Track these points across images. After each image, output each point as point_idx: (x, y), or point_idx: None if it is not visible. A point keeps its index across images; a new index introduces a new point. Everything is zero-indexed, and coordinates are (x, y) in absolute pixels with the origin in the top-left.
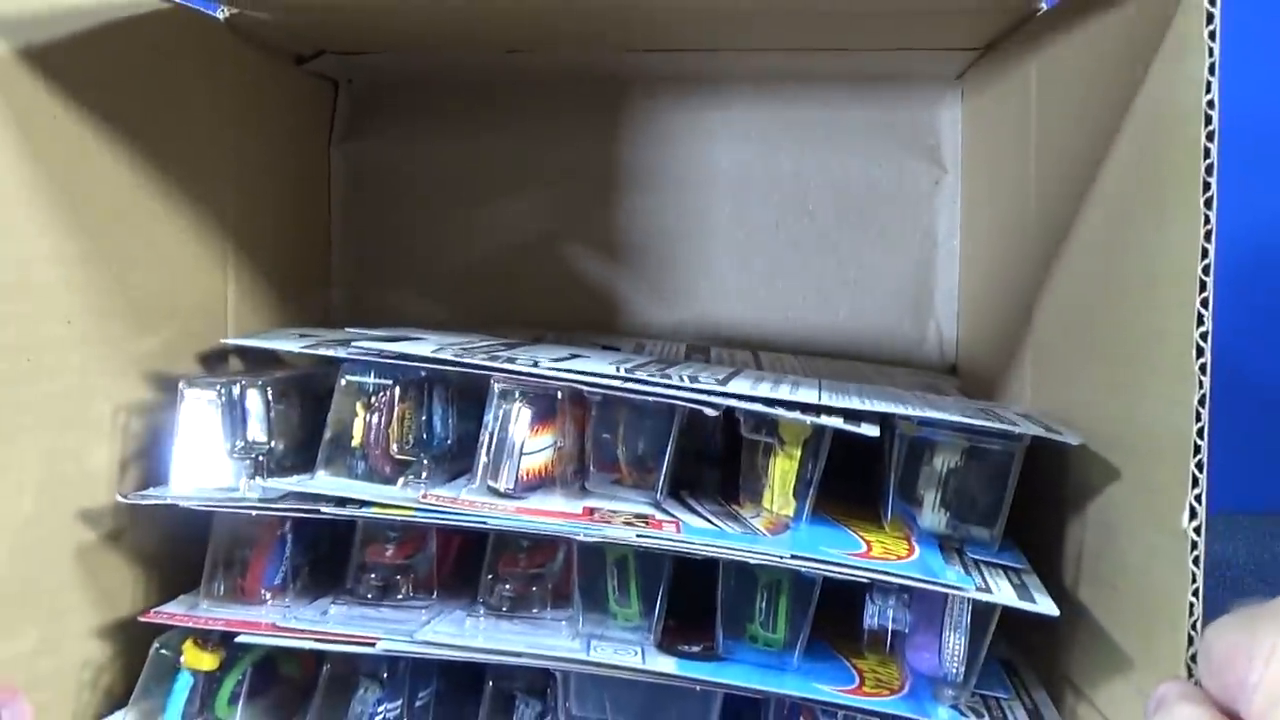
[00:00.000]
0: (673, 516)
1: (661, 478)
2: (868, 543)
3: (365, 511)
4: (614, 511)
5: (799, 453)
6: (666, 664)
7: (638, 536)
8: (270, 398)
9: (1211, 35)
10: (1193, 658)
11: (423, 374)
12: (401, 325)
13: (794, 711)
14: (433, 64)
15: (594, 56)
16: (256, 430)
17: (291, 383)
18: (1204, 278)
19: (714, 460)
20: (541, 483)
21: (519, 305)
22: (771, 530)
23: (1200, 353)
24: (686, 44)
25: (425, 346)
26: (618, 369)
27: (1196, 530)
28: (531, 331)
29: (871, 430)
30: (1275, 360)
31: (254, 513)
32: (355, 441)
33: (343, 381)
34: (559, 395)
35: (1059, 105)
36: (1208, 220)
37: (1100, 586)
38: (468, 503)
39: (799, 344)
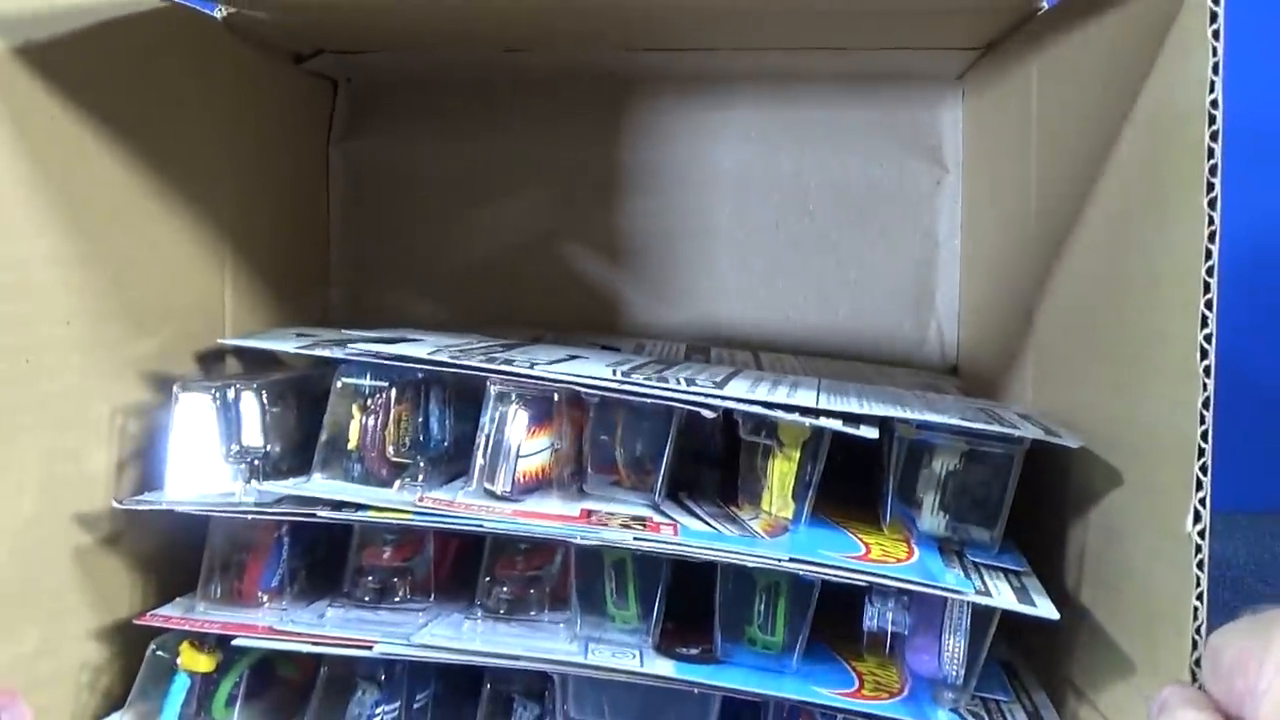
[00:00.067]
0: (671, 519)
1: (660, 480)
2: (867, 545)
3: (362, 515)
4: (612, 514)
5: (798, 455)
6: (665, 667)
7: (635, 539)
8: (266, 400)
9: (1215, 34)
10: (1197, 662)
11: (419, 375)
12: (400, 326)
13: (793, 714)
14: (432, 63)
15: (594, 56)
16: (252, 433)
17: (288, 385)
18: (1208, 279)
19: (713, 462)
20: (539, 485)
21: (519, 305)
22: (770, 532)
23: (1204, 354)
24: (686, 43)
25: (422, 348)
26: (614, 371)
27: (1200, 534)
28: (531, 332)
29: (870, 432)
30: (1275, 360)
31: (250, 517)
32: (351, 444)
33: (339, 383)
34: (556, 397)
35: (1060, 105)
36: (1211, 221)
37: (1102, 589)
38: (464, 505)
39: (799, 344)
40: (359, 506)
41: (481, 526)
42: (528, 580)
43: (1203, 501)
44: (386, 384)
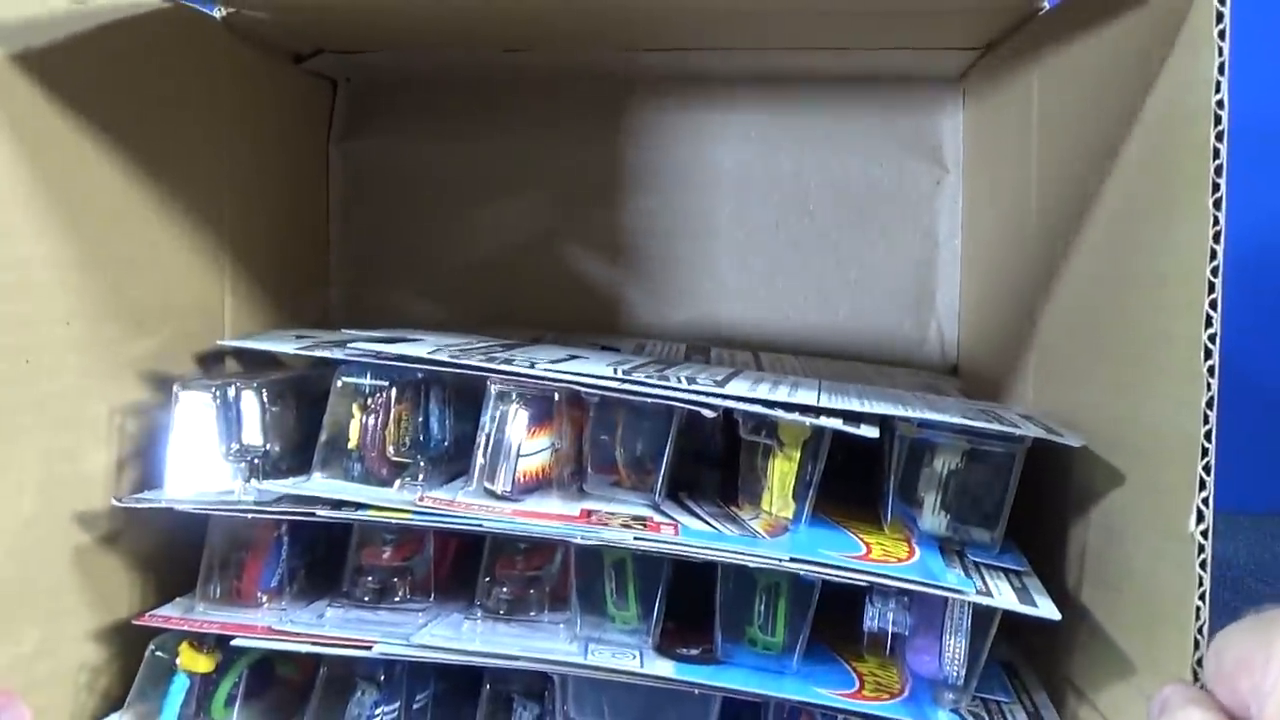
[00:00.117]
0: (671, 519)
1: (660, 479)
2: (867, 545)
3: (361, 514)
4: (612, 514)
5: (798, 454)
6: (665, 667)
7: (635, 539)
8: (265, 400)
9: (1221, 35)
10: (1199, 662)
11: (419, 375)
12: (400, 326)
13: (793, 715)
14: (432, 63)
15: (594, 56)
16: (252, 432)
17: (288, 384)
18: (1212, 279)
19: (713, 462)
20: (539, 485)
21: (519, 305)
22: (770, 532)
23: (1208, 354)
24: (687, 43)
25: (422, 348)
26: (615, 370)
27: (1204, 534)
28: (531, 332)
29: (871, 432)
30: (1275, 360)
31: (249, 516)
32: (351, 443)
33: (339, 383)
34: (556, 397)
35: (1061, 105)
36: (1216, 221)
37: (1103, 589)
38: (464, 505)
39: (799, 344)
40: (359, 506)
41: (481, 526)
42: (528, 580)
43: (1206, 501)
44: (386, 384)
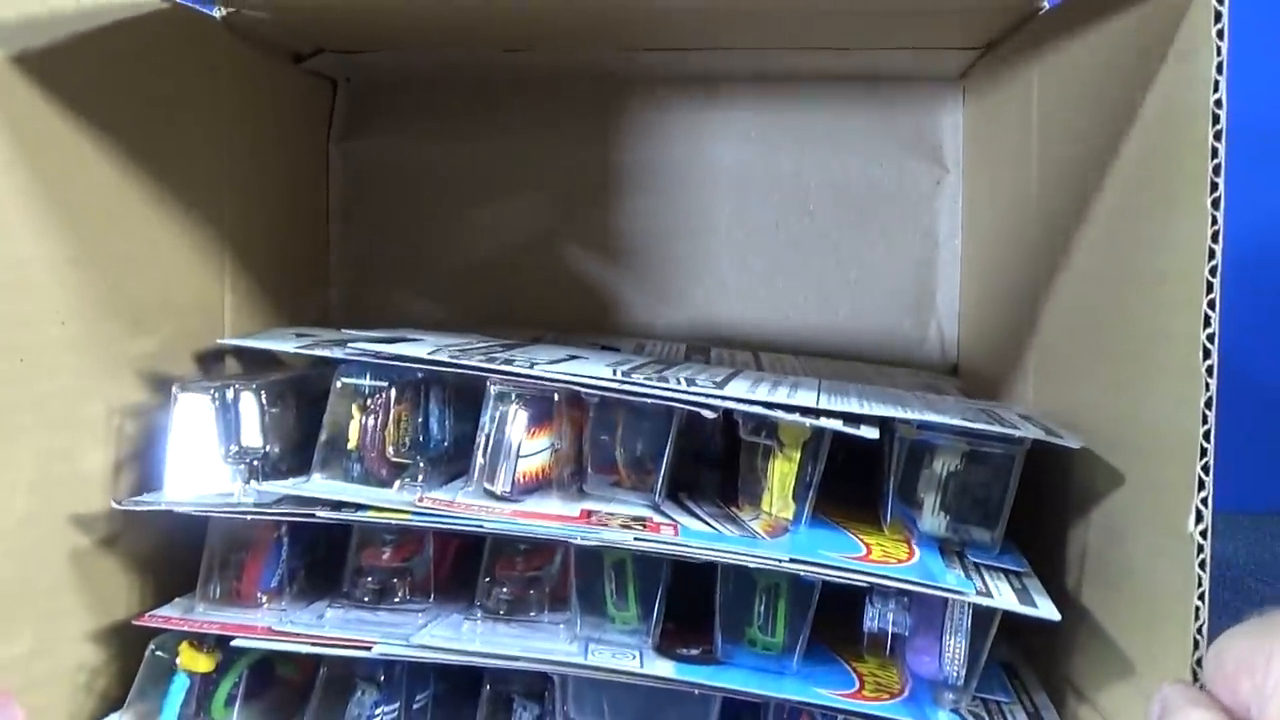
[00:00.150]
0: (671, 519)
1: (660, 480)
2: (867, 546)
3: (361, 515)
4: (612, 514)
5: (798, 455)
6: (665, 668)
7: (635, 540)
8: (265, 400)
9: (1219, 34)
10: (1198, 661)
11: (419, 375)
12: (400, 325)
13: (793, 715)
14: (432, 63)
15: (594, 56)
16: (251, 433)
17: (287, 385)
18: (1210, 278)
19: (713, 462)
20: (539, 485)
21: (519, 305)
22: (770, 533)
23: (1207, 353)
24: (687, 43)
25: (421, 348)
26: (614, 371)
27: (1203, 534)
28: (531, 332)
29: (871, 433)
30: (1275, 360)
31: (249, 517)
32: (351, 444)
33: (338, 383)
34: (556, 397)
35: (1061, 104)
36: (1215, 220)
37: (1104, 589)
38: (464, 506)
39: (799, 344)
40: (358, 506)
41: (481, 527)
42: (528, 581)
43: (1204, 501)
44: (386, 384)
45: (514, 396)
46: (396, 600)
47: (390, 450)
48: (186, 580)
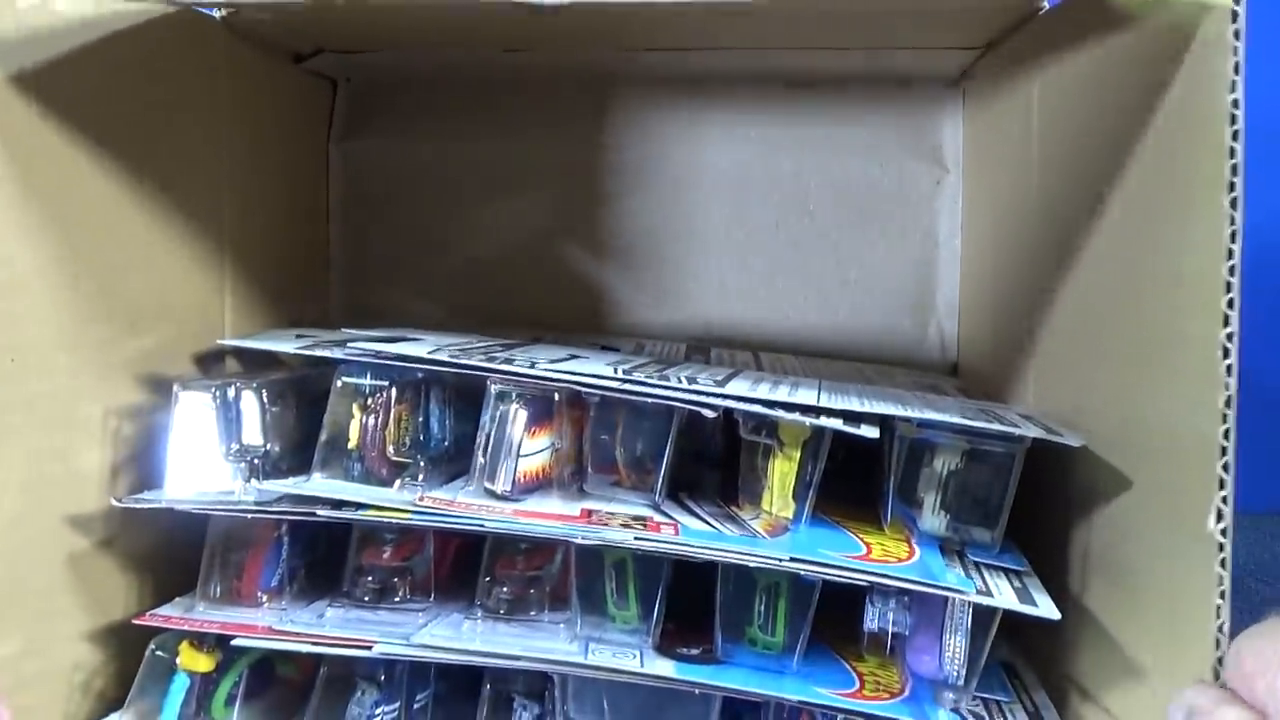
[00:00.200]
0: (671, 519)
1: (660, 479)
2: (867, 545)
3: (361, 514)
4: (612, 514)
5: (798, 454)
6: (665, 667)
7: (636, 539)
8: (266, 399)
9: (1236, 35)
10: (1219, 660)
11: (419, 375)
12: (400, 325)
13: (793, 715)
14: (432, 63)
15: (594, 56)
16: (252, 432)
17: (288, 384)
18: (1230, 278)
19: (713, 462)
20: (539, 485)
21: (518, 305)
22: (770, 532)
23: (1226, 354)
24: (687, 43)
25: (422, 347)
26: (615, 370)
27: (1223, 533)
28: (531, 332)
29: (871, 432)
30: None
31: (250, 515)
32: (351, 443)
33: (339, 383)
34: (556, 397)
35: (1062, 104)
36: (1233, 220)
37: (1109, 589)
38: (465, 505)
39: (799, 344)
40: (359, 506)
41: (482, 526)
42: (528, 580)
43: (1225, 500)
44: (386, 383)
45: (514, 396)
46: (397, 600)
47: (390, 449)
48: (185, 580)
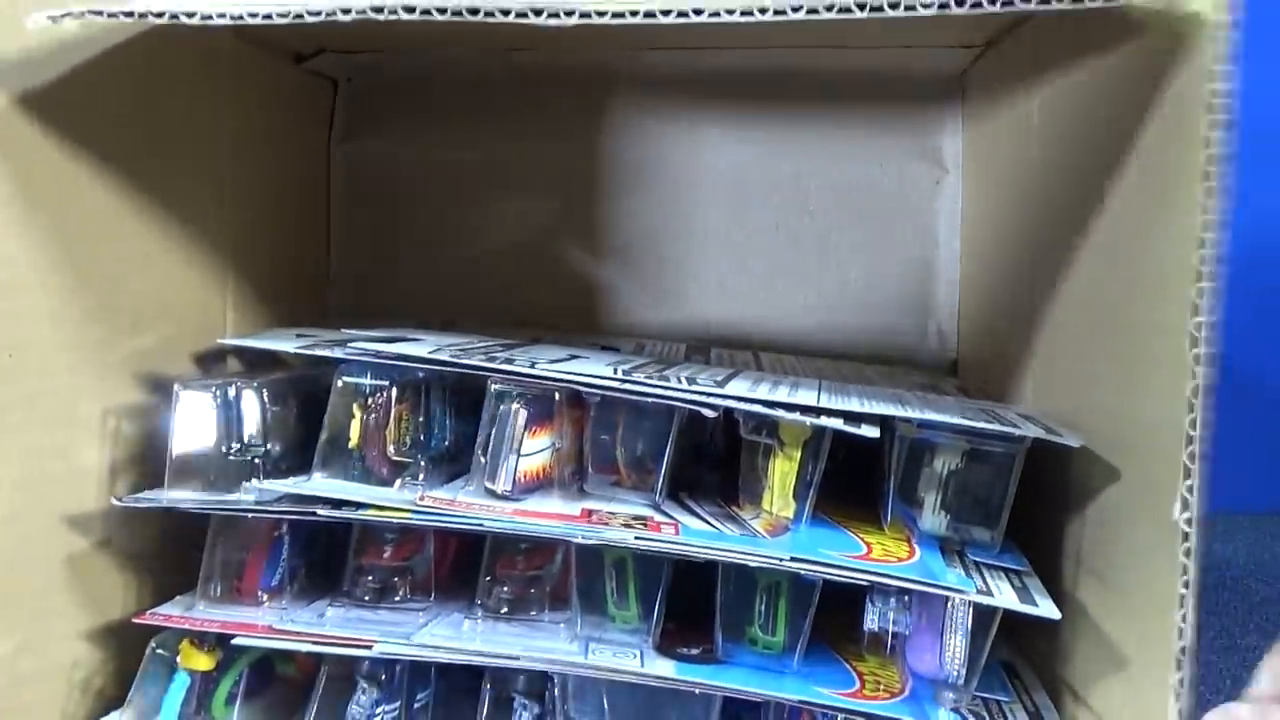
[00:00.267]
0: (671, 518)
1: (660, 479)
2: (868, 544)
3: (362, 514)
4: (612, 513)
5: (799, 454)
6: (665, 667)
7: (636, 539)
8: (266, 399)
9: (1221, 25)
10: (1182, 650)
11: (420, 375)
12: (400, 325)
13: (793, 715)
14: (433, 63)
15: (594, 55)
16: (252, 432)
17: (288, 384)
18: (1201, 268)
19: (713, 462)
20: (539, 484)
21: (518, 305)
22: (771, 532)
23: (1194, 343)
24: (687, 43)
25: (422, 347)
26: (615, 370)
27: (1189, 522)
28: (531, 332)
29: (871, 432)
30: (1274, 360)
31: (250, 515)
32: (352, 443)
33: (339, 382)
34: (556, 397)
35: (1061, 104)
36: (1206, 209)
37: (1098, 587)
38: (465, 505)
39: (799, 344)
40: (359, 505)
41: (482, 526)
42: (528, 580)
43: (1190, 489)
44: (387, 383)
45: (515, 396)
46: (397, 599)
47: (391, 449)
48: (185, 579)
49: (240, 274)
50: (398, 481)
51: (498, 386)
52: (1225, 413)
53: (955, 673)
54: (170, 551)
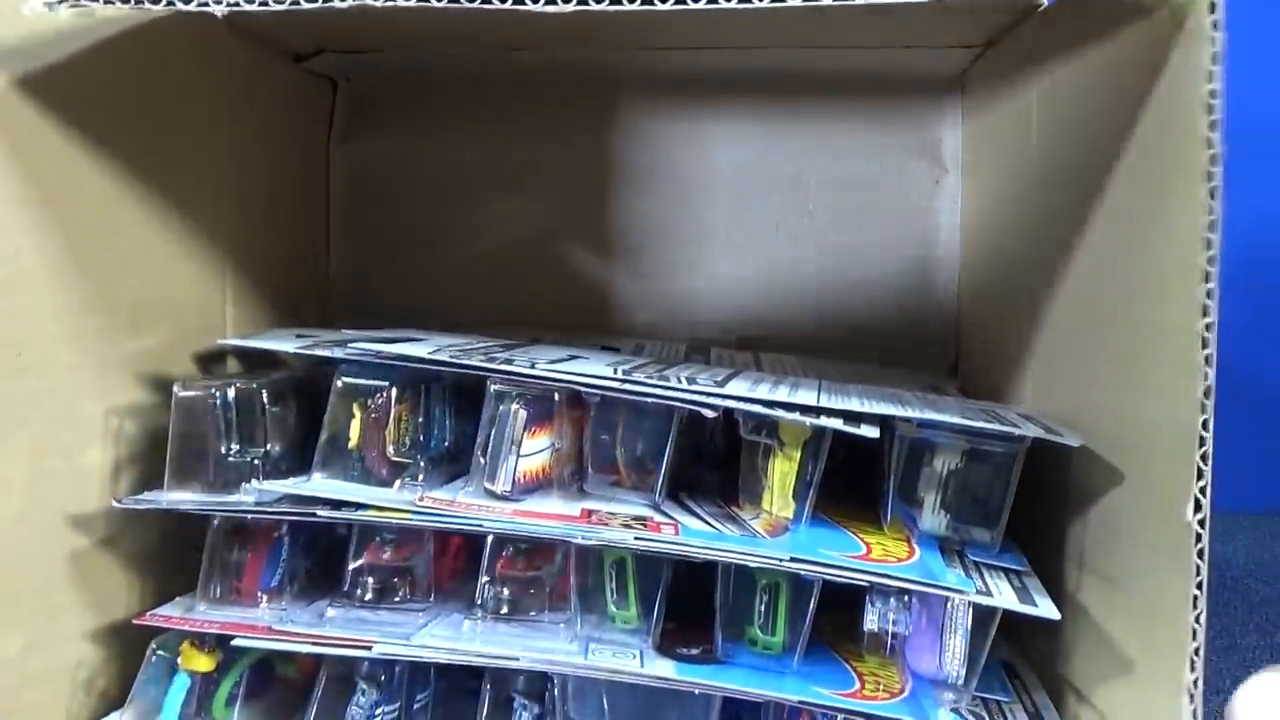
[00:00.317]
0: (671, 519)
1: (660, 479)
2: (867, 545)
3: (361, 514)
4: (612, 514)
5: (798, 454)
6: (665, 667)
7: (636, 539)
8: (266, 399)
9: (1215, 25)
10: (1196, 651)
11: (420, 375)
12: (400, 325)
13: (793, 715)
14: (433, 63)
15: (594, 55)
16: (252, 432)
17: (288, 384)
18: (1208, 268)
19: (713, 462)
20: (539, 485)
21: (518, 305)
22: (770, 532)
23: (1204, 344)
24: (687, 42)
25: (422, 347)
26: (615, 370)
27: (1201, 523)
28: (531, 332)
29: (871, 431)
30: (1274, 360)
31: (250, 515)
32: (352, 443)
33: (339, 383)
34: (556, 397)
35: (1061, 102)
36: (1211, 210)
37: (1102, 587)
38: (465, 505)
39: (799, 344)
40: (359, 506)
41: (481, 526)
42: (528, 580)
43: (1203, 490)
44: (387, 384)
45: (514, 396)
46: (397, 600)
47: (391, 450)
48: (186, 579)
49: (240, 273)
50: (397, 482)
51: (497, 386)
52: (1225, 413)
53: (955, 673)
54: (172, 552)
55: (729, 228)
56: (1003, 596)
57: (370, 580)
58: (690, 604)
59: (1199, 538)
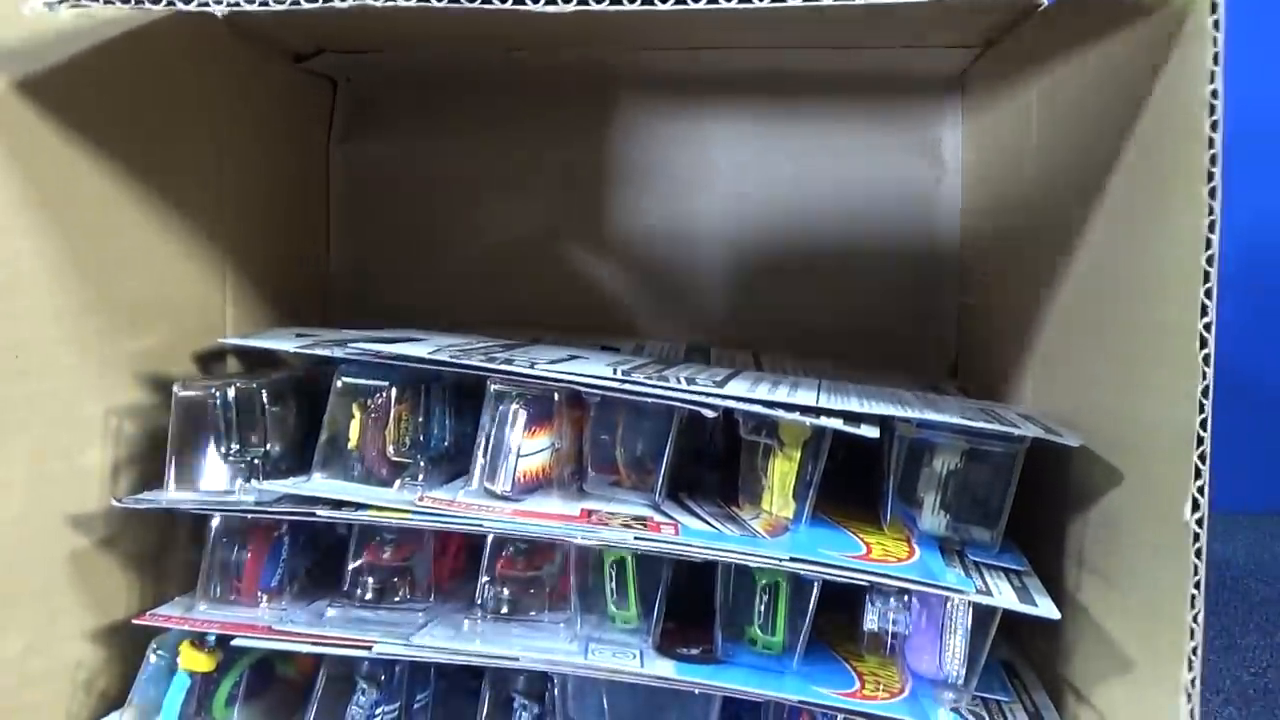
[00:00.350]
0: (671, 518)
1: (660, 479)
2: (867, 544)
3: (361, 514)
4: (612, 514)
5: (798, 454)
6: (665, 667)
7: (636, 539)
8: (266, 399)
9: (1215, 25)
10: (1194, 650)
11: (420, 375)
12: (400, 325)
13: (793, 715)
14: (433, 63)
15: (595, 55)
16: (252, 432)
17: (288, 384)
18: (1207, 268)
19: (713, 462)
20: (539, 485)
21: (518, 305)
22: (770, 532)
23: (1204, 343)
24: (687, 43)
25: (422, 347)
26: (615, 370)
27: (1199, 522)
28: (531, 332)
29: (871, 432)
30: (1274, 360)
31: (250, 515)
32: (352, 443)
33: (339, 383)
34: (556, 397)
35: (1061, 102)
36: (1211, 210)
37: (1101, 587)
38: (464, 505)
39: (799, 344)
40: (359, 506)
41: (481, 526)
42: (528, 580)
43: (1201, 490)
44: (386, 384)
45: (514, 396)
46: (397, 600)
47: (390, 449)
48: (186, 579)
49: (239, 273)
50: (397, 482)
51: (497, 387)
52: (1224, 413)
53: (955, 673)
54: (172, 551)
55: (729, 227)
56: (1003, 596)
57: (370, 580)
58: (690, 604)
59: (1197, 537)
